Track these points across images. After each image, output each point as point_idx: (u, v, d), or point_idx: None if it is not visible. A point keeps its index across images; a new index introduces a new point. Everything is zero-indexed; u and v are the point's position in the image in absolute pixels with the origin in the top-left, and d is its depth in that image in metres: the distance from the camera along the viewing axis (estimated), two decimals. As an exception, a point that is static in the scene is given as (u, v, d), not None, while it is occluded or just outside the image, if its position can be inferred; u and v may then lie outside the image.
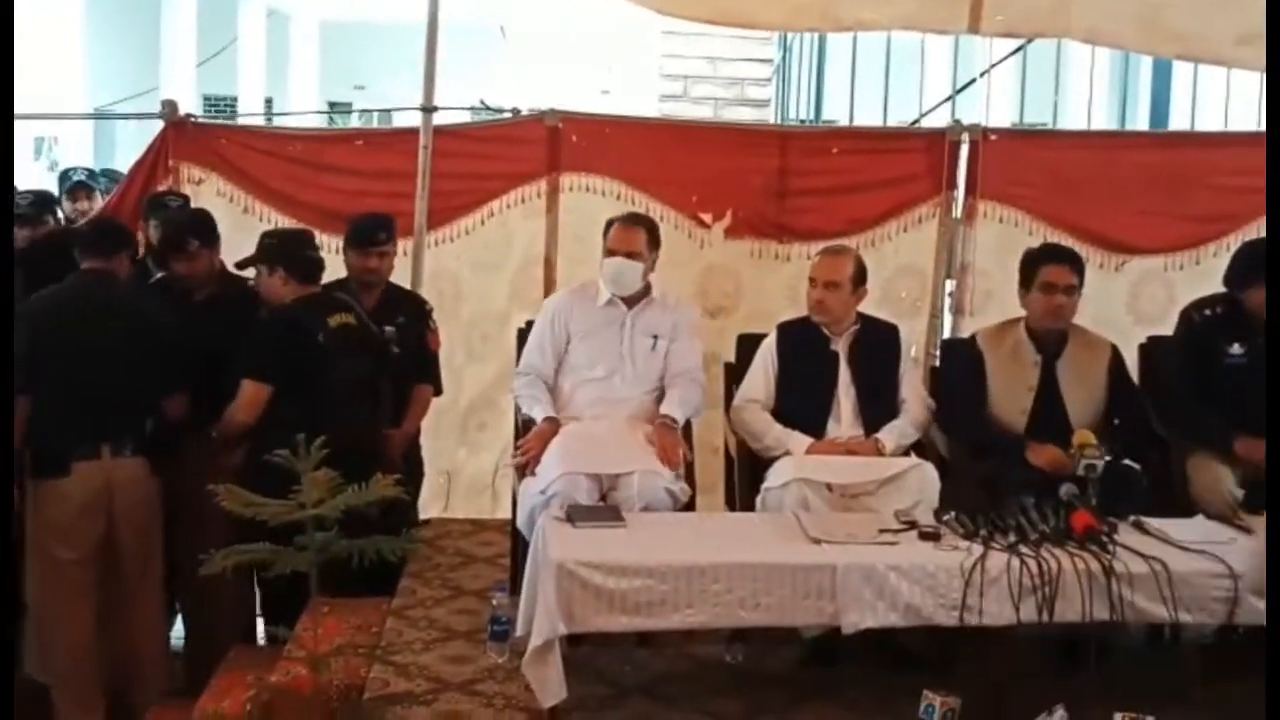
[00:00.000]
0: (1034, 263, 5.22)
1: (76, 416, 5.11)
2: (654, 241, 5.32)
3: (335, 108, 21.90)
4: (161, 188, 6.21)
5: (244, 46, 19.04)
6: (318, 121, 17.11)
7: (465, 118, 6.81)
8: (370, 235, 5.71)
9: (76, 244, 5.32)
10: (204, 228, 5.64)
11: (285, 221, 6.33)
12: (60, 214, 6.84)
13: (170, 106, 6.38)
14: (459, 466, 6.58)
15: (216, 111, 18.77)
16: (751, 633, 4.64)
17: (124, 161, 8.26)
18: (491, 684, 4.49)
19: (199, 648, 5.62)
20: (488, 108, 6.64)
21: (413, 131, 6.31)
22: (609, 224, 5.35)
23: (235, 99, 19.17)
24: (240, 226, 6.09)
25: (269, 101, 19.04)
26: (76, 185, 7.46)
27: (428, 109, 6.22)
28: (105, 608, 5.28)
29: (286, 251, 5.39)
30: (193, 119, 6.46)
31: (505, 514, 6.46)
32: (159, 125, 6.35)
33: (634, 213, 5.69)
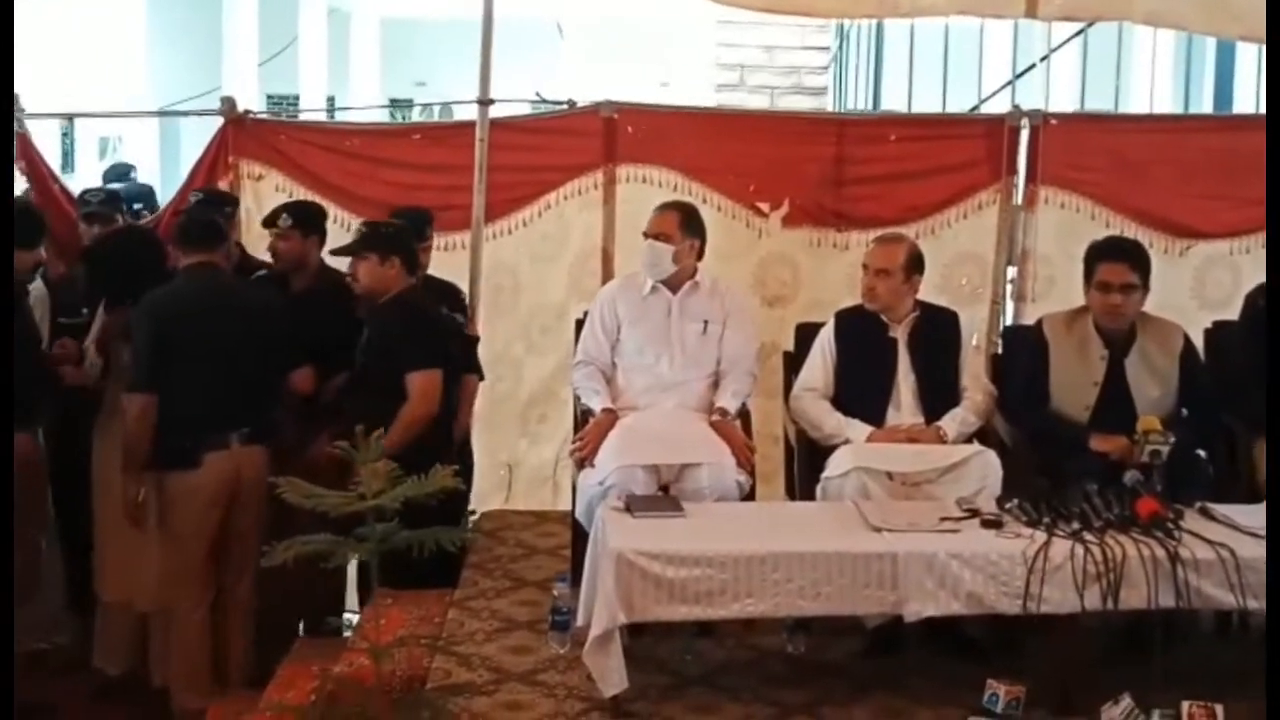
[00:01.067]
0: (1093, 258, 5.10)
1: (205, 408, 5.18)
2: (691, 226, 5.30)
3: (397, 104, 22.03)
4: (222, 184, 6.27)
5: (305, 45, 19.20)
6: (379, 118, 17.22)
7: (523, 110, 6.80)
8: (422, 228, 5.77)
9: (178, 239, 5.38)
10: (302, 212, 5.77)
11: (344, 215, 6.38)
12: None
13: (229, 103, 6.45)
14: (520, 458, 6.60)
15: (279, 110, 18.90)
16: (813, 623, 4.61)
17: (189, 161, 8.36)
18: (553, 674, 4.50)
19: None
20: (544, 100, 6.65)
21: (469, 125, 6.32)
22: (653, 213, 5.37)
23: (298, 97, 19.33)
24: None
25: (331, 100, 19.18)
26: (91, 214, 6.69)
27: (484, 102, 6.23)
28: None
29: (404, 242, 5.43)
30: (251, 115, 6.51)
31: (566, 505, 6.47)
32: (220, 124, 6.42)
33: (672, 199, 5.68)
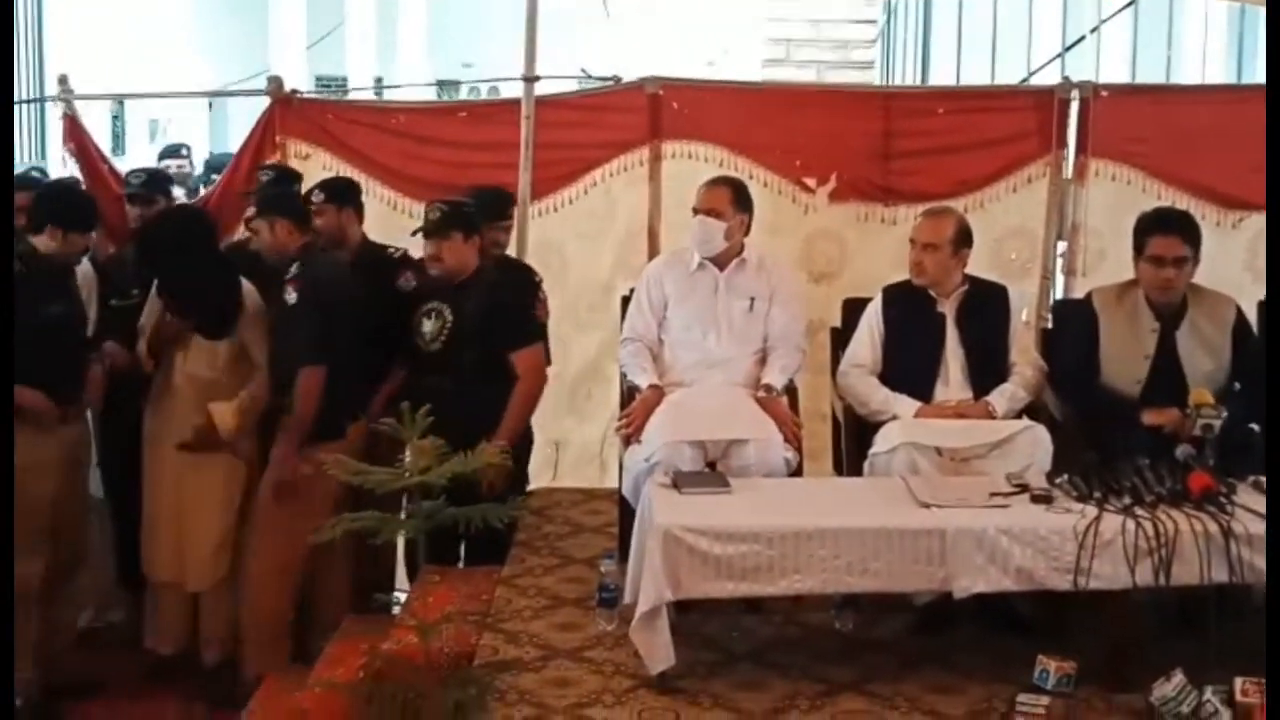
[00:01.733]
0: (1144, 231, 5.03)
1: (355, 381, 5.33)
2: (741, 202, 5.28)
3: (444, 85, 22.05)
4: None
5: (352, 27, 19.26)
6: (427, 98, 17.24)
7: (570, 87, 6.78)
8: (503, 208, 5.79)
9: (298, 216, 5.47)
10: (333, 185, 5.82)
11: (390, 194, 6.39)
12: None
13: (275, 83, 6.47)
14: (567, 436, 6.59)
15: (329, 92, 18.97)
16: (861, 600, 4.60)
17: (237, 143, 8.39)
18: (600, 651, 4.50)
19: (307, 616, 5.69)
20: (590, 76, 6.63)
21: (515, 103, 6.32)
22: (698, 189, 5.34)
23: (345, 79, 19.41)
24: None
25: (378, 80, 19.23)
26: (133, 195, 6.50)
27: (530, 79, 6.22)
28: None
29: (476, 220, 5.44)
30: (298, 94, 6.52)
31: (613, 483, 6.45)
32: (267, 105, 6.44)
33: (720, 175, 5.66)
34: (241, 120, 13.52)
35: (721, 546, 4.13)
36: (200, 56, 16.10)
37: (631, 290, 5.48)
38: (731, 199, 5.21)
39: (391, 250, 5.82)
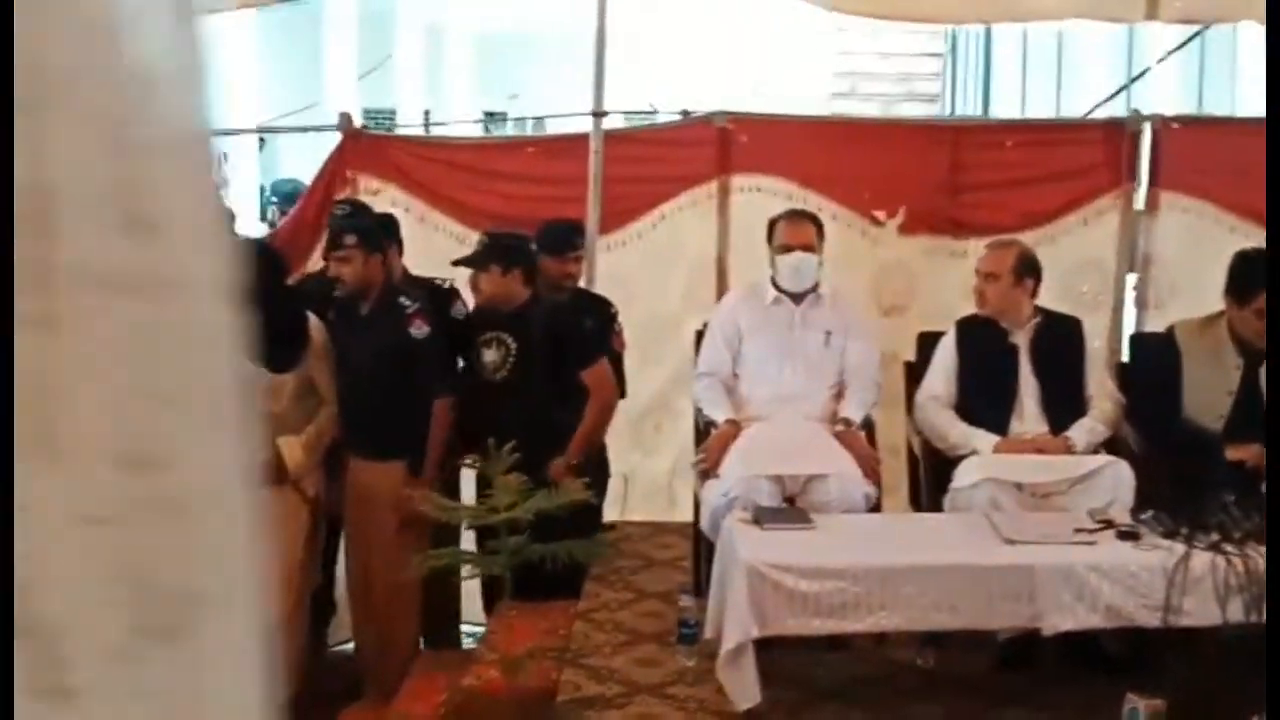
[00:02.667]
0: (1250, 278, 4.89)
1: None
2: (821, 236, 5.30)
3: (491, 117, 22.18)
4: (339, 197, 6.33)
5: (401, 60, 19.39)
6: (473, 130, 17.34)
7: (634, 122, 6.80)
8: (569, 241, 5.81)
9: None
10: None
11: (459, 228, 6.42)
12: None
13: (345, 119, 6.52)
14: (635, 469, 6.59)
15: (375, 124, 19.08)
16: (944, 636, 4.57)
17: (287, 174, 8.44)
18: (683, 687, 4.48)
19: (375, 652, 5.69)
20: (657, 111, 6.64)
21: (583, 138, 6.35)
22: (772, 223, 5.35)
23: (394, 111, 19.51)
24: (416, 234, 6.19)
25: (427, 113, 19.33)
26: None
27: (598, 114, 6.25)
28: None
29: (524, 254, 5.47)
30: (368, 130, 6.57)
31: (682, 516, 6.46)
32: (327, 137, 6.48)
33: (798, 209, 5.66)
34: (292, 151, 13.62)
35: (807, 583, 4.11)
36: (253, 87, 16.17)
37: (705, 324, 5.48)
38: (817, 233, 5.23)
39: (439, 281, 5.83)
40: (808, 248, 5.20)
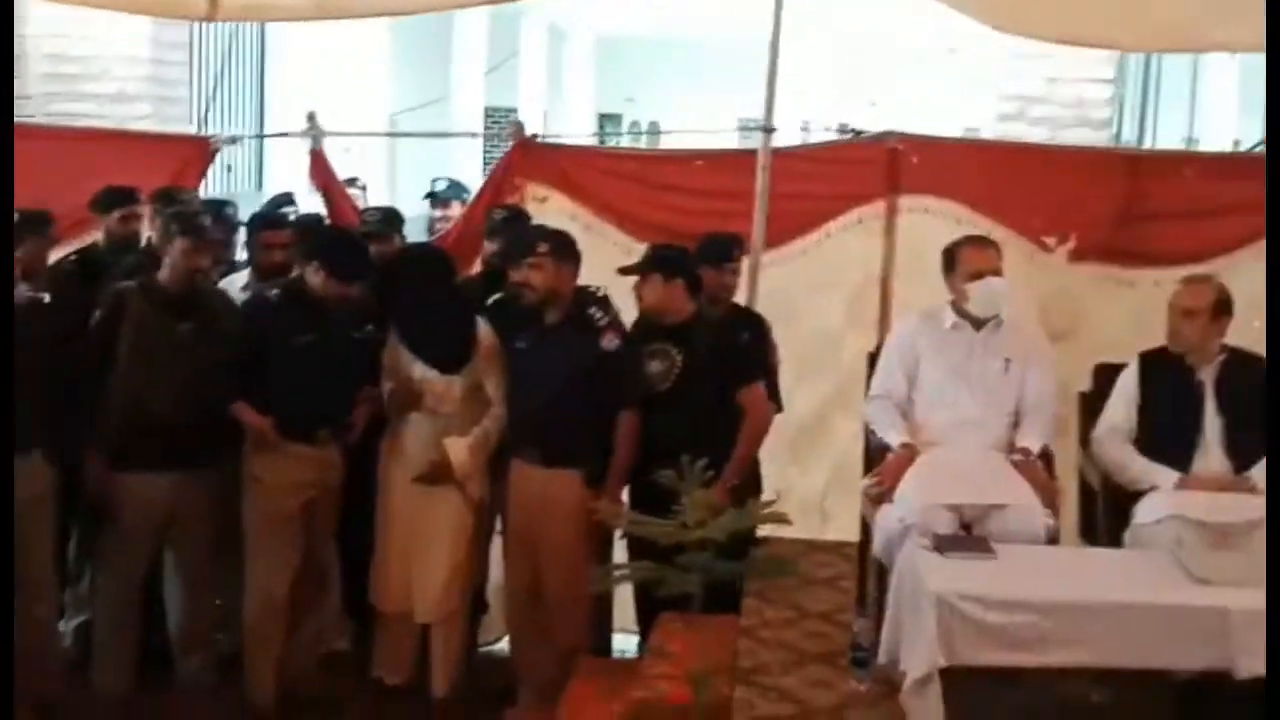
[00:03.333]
0: None
1: None
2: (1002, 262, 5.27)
3: (607, 120, 22.32)
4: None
5: (524, 61, 19.52)
6: (588, 132, 17.42)
7: (793, 141, 6.80)
8: (727, 252, 5.80)
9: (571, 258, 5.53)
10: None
11: (624, 239, 6.46)
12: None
13: (517, 126, 6.59)
14: (789, 486, 6.56)
15: (493, 123, 19.22)
16: (1118, 672, 4.52)
17: (408, 172, 8.50)
18: (857, 711, 4.48)
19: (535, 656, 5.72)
20: (828, 129, 6.65)
21: (750, 153, 6.35)
22: (951, 250, 5.31)
23: (514, 110, 19.64)
24: (582, 243, 6.16)
25: (544, 115, 19.45)
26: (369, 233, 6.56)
27: (767, 129, 6.25)
28: None
29: (687, 265, 5.49)
30: (538, 138, 6.62)
31: (835, 535, 6.45)
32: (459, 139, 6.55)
33: (978, 235, 5.62)
34: (417, 150, 13.71)
35: (996, 615, 4.11)
36: (383, 83, 16.33)
37: (877, 346, 5.47)
38: (1000, 258, 5.19)
39: (593, 289, 5.82)
40: (998, 272, 5.16)
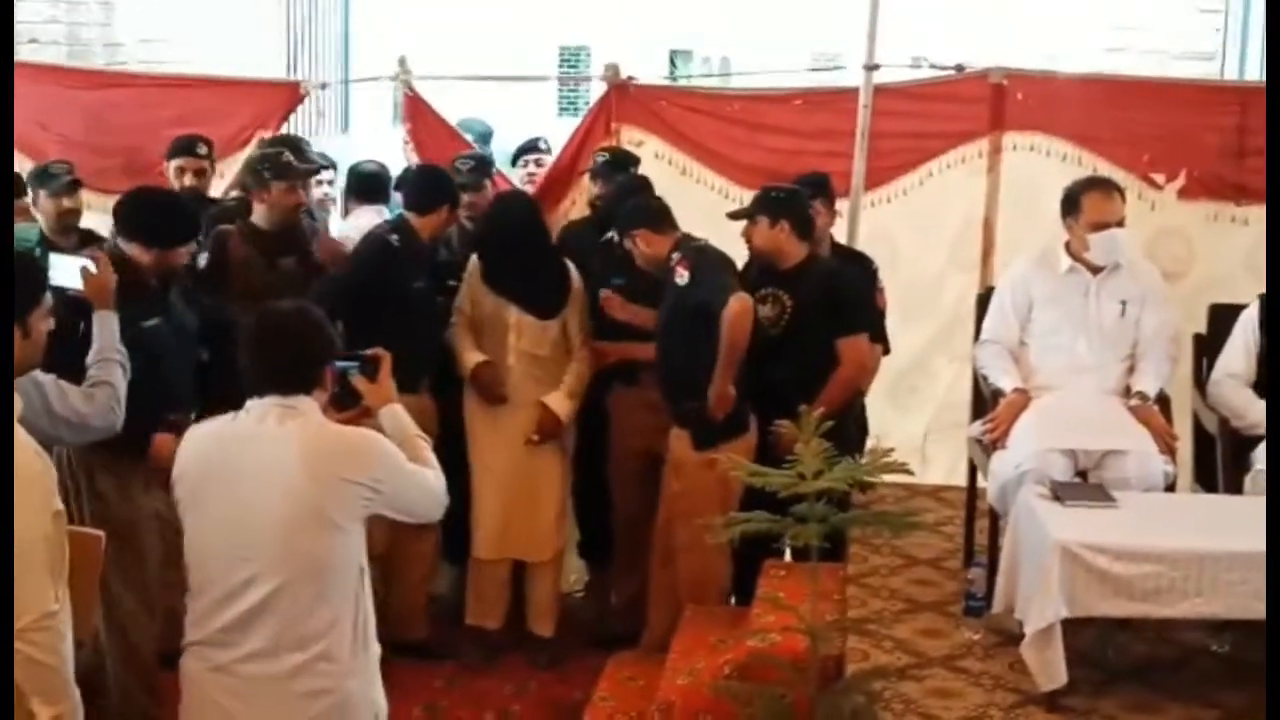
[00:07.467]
0: None
1: None
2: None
3: (678, 56, 22.04)
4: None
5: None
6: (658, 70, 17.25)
7: (898, 76, 6.59)
8: (815, 192, 5.65)
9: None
10: None
11: (721, 182, 6.36)
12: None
13: (613, 70, 6.47)
14: (888, 429, 6.46)
15: (565, 62, 19.04)
16: (1236, 622, 4.43)
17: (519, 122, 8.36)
18: (973, 661, 4.44)
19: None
20: (928, 64, 6.48)
21: (851, 91, 6.22)
22: (1073, 193, 5.16)
23: (586, 48, 19.48)
24: (676, 188, 6.09)
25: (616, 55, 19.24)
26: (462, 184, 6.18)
27: (870, 67, 6.11)
28: None
29: (794, 207, 5.34)
30: (633, 81, 6.51)
31: (934, 479, 6.39)
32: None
33: (1103, 179, 5.46)
34: (524, 99, 13.59)
35: (1123, 565, 4.03)
36: (484, 33, 16.19)
37: (985, 289, 5.35)
38: (1124, 205, 5.06)
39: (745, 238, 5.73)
40: (1121, 223, 5.03)
